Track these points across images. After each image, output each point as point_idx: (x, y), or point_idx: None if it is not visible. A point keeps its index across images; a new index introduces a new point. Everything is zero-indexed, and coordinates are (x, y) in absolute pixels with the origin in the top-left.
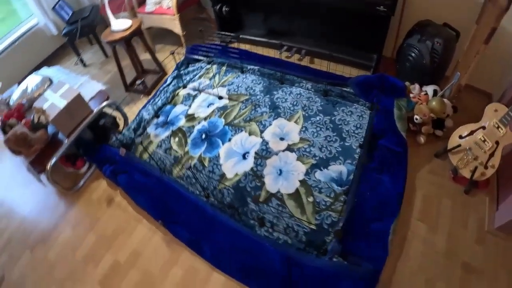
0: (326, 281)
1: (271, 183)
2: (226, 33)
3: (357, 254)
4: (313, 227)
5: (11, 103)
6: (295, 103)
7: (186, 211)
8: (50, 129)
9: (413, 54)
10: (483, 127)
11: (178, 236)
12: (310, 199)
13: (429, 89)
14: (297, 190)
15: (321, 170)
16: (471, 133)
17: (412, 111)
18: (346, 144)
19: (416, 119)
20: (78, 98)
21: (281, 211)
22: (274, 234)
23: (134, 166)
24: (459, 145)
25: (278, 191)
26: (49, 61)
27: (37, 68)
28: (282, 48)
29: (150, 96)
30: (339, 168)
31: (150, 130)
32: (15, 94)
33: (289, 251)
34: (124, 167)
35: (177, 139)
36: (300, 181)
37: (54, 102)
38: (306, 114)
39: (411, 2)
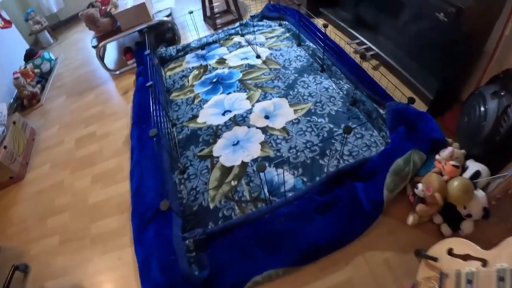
0: (166, 252)
1: (219, 147)
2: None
3: (218, 259)
4: (211, 205)
5: None
6: (313, 94)
7: (148, 124)
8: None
9: (476, 108)
10: (484, 262)
11: (131, 138)
12: (234, 183)
13: (472, 166)
14: (231, 167)
15: (269, 166)
16: (465, 257)
17: (423, 176)
18: (321, 162)
19: (417, 188)
20: (142, 6)
21: (203, 173)
22: (181, 187)
23: (154, 75)
24: (436, 259)
25: (217, 157)
26: None
27: None
28: (355, 40)
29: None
30: (287, 178)
31: (188, 56)
32: None
33: (174, 205)
34: (147, 72)
35: (197, 72)
36: (243, 162)
37: (127, 2)
38: (313, 110)
39: None
